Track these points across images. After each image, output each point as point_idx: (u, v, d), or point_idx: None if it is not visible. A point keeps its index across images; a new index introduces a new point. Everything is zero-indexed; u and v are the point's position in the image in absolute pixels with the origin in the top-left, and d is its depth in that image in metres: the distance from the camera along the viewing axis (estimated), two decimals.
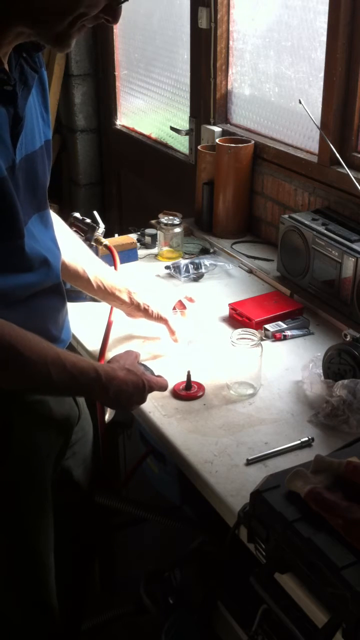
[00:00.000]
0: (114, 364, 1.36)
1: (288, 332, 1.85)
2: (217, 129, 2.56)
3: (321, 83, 2.10)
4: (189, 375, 1.62)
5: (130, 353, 1.44)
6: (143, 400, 1.40)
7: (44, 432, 1.39)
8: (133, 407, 1.44)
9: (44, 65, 1.32)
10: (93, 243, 2.00)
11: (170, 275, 2.19)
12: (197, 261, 2.20)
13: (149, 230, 2.40)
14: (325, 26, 2.03)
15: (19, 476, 1.36)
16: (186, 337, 1.79)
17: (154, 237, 2.36)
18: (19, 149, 1.22)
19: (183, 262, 2.20)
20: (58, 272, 1.37)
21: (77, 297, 1.98)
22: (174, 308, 1.85)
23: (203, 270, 2.18)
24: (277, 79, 2.37)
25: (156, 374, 1.52)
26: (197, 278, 2.17)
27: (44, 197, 1.35)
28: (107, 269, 1.70)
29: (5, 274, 1.24)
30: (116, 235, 2.28)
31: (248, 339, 1.61)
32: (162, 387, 1.46)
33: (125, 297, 1.70)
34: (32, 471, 1.39)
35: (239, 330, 1.63)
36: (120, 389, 1.32)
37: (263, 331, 1.84)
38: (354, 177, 1.87)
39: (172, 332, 1.76)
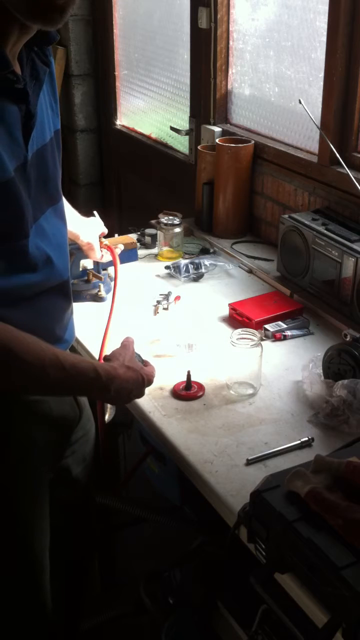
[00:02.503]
0: (114, 362, 1.35)
1: (288, 332, 1.85)
2: (217, 129, 2.56)
3: (321, 83, 2.10)
4: (189, 375, 1.62)
5: (127, 347, 1.43)
6: (142, 394, 1.40)
7: (42, 432, 1.39)
8: (131, 401, 1.45)
9: (52, 56, 1.31)
10: None
11: (170, 275, 2.19)
12: (197, 261, 2.20)
13: (149, 230, 2.40)
14: (325, 26, 2.03)
15: (16, 474, 1.37)
16: (186, 340, 1.79)
17: (154, 237, 2.36)
18: (30, 144, 1.22)
19: (183, 262, 2.20)
20: (62, 271, 1.36)
21: (77, 297, 1.98)
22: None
23: (203, 270, 2.18)
24: (277, 79, 2.37)
25: (143, 358, 1.51)
26: (197, 278, 2.17)
27: (56, 190, 1.34)
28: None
29: (8, 274, 1.24)
30: (116, 235, 2.28)
31: (248, 339, 1.61)
32: (154, 376, 1.46)
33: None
34: (29, 470, 1.39)
35: (239, 330, 1.63)
36: (122, 386, 1.31)
37: (263, 331, 1.84)
38: (354, 177, 1.87)
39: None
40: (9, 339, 1.17)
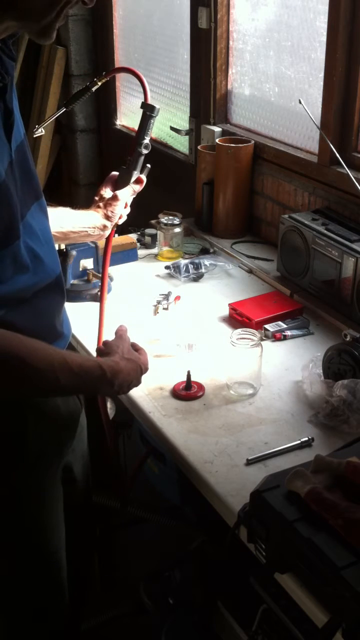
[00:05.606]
0: (115, 357, 1.36)
1: (288, 332, 1.85)
2: (217, 129, 2.56)
3: (321, 83, 2.10)
4: (189, 375, 1.62)
5: (123, 338, 1.44)
6: (139, 382, 1.41)
7: (53, 430, 1.40)
8: (130, 391, 1.45)
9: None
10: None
11: (170, 275, 2.19)
12: (197, 261, 2.20)
13: (149, 230, 2.40)
14: (325, 26, 2.03)
15: (34, 474, 1.37)
16: (186, 340, 1.79)
17: (154, 237, 2.36)
18: (12, 142, 1.21)
19: (183, 262, 2.20)
20: (53, 267, 1.36)
21: (77, 297, 1.99)
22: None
23: (203, 270, 2.18)
24: (277, 79, 2.37)
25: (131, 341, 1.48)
26: (197, 278, 2.17)
27: (38, 185, 1.34)
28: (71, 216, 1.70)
29: (9, 278, 1.24)
30: (116, 235, 2.28)
31: (248, 339, 1.61)
32: (148, 362, 1.46)
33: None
34: (45, 468, 1.40)
35: (239, 330, 1.63)
36: (125, 379, 1.33)
37: (263, 331, 1.84)
38: (354, 177, 1.87)
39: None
40: (20, 348, 1.17)
